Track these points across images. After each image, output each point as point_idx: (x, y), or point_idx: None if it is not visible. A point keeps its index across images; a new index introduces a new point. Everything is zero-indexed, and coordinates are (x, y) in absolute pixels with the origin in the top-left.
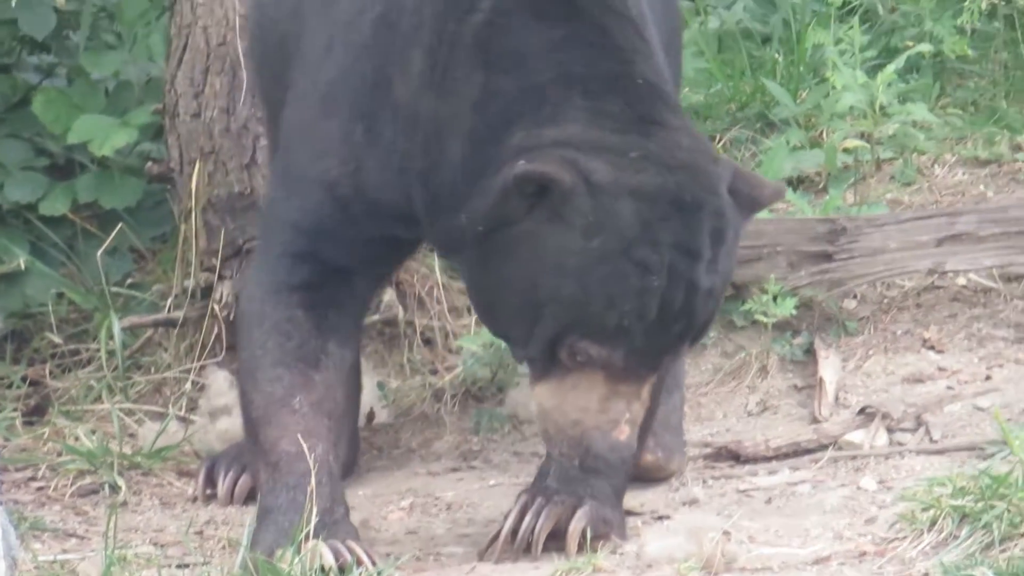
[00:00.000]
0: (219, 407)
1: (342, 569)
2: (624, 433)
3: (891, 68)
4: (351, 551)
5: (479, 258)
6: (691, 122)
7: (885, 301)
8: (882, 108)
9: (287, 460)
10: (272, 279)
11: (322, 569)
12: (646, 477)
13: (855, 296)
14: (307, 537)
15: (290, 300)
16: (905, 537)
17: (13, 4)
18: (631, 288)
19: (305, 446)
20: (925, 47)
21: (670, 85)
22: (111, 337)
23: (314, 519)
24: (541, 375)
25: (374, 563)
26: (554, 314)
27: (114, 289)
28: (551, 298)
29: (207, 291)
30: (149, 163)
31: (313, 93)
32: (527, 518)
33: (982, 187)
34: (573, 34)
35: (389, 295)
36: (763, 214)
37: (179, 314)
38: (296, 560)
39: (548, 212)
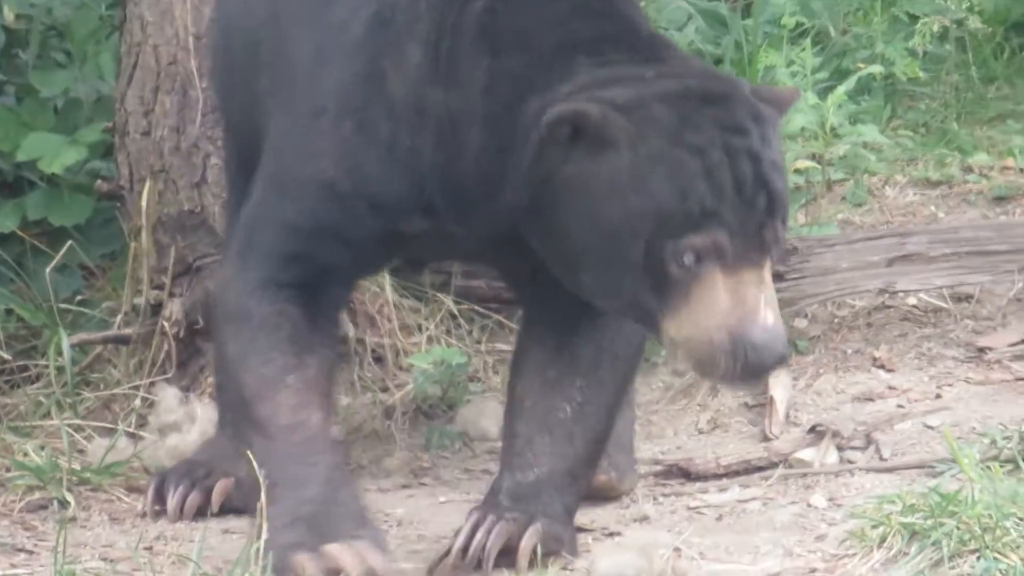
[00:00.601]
0: (169, 423)
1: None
2: (770, 316)
3: (842, 89)
4: (359, 553)
5: (540, 227)
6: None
7: (836, 320)
8: (833, 129)
9: (279, 434)
10: (259, 276)
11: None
12: (598, 497)
13: (806, 315)
14: (307, 531)
15: (278, 296)
16: (855, 554)
17: None
18: (695, 171)
19: (299, 417)
20: (876, 69)
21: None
22: (60, 353)
23: (313, 494)
24: (663, 313)
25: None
26: (638, 232)
27: (63, 306)
28: (626, 219)
29: (157, 308)
30: (99, 181)
31: (306, 98)
32: (478, 535)
33: (933, 208)
34: (572, 8)
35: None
36: None
37: (129, 331)
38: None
39: (587, 146)
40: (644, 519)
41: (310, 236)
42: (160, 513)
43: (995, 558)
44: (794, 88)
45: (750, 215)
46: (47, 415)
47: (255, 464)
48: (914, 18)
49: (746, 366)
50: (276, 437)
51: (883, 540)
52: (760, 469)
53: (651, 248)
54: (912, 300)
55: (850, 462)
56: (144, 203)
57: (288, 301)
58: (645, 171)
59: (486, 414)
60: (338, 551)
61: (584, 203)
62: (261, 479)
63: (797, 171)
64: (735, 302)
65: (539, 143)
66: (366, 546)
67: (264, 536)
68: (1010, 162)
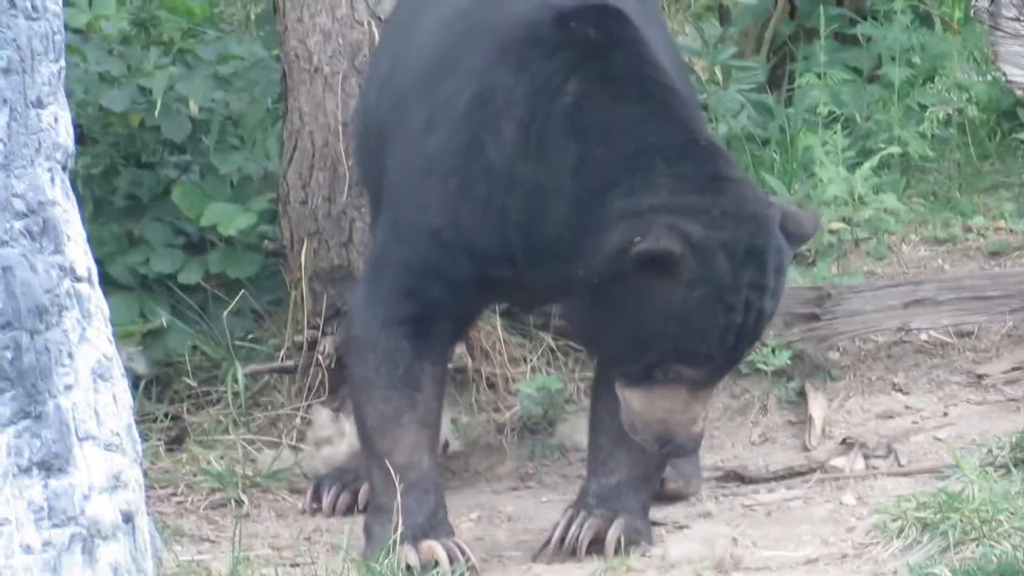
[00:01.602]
0: (323, 438)
1: (424, 567)
2: (699, 427)
3: (867, 165)
4: (449, 548)
5: (591, 302)
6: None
7: (862, 353)
8: (860, 197)
9: (399, 470)
10: (383, 313)
11: (408, 568)
12: (670, 498)
13: (838, 349)
14: (412, 537)
15: (398, 332)
16: (878, 543)
17: (156, 114)
18: (719, 325)
19: (413, 459)
20: (894, 149)
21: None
22: (236, 381)
23: (421, 521)
24: (633, 384)
25: (467, 556)
26: (658, 347)
27: (238, 343)
28: (657, 336)
29: (313, 345)
30: (266, 241)
31: (417, 158)
32: (572, 528)
33: (940, 261)
34: (646, 111)
35: (460, 348)
36: None
37: (291, 363)
38: (387, 561)
39: (658, 271)
40: (707, 515)
41: (420, 275)
42: (317, 511)
43: (991, 545)
44: (816, 215)
45: (732, 358)
46: (226, 431)
47: (373, 487)
48: (923, 107)
49: (664, 451)
50: (392, 474)
51: (901, 531)
52: (801, 474)
53: (658, 358)
54: (924, 336)
55: (874, 468)
56: (302, 259)
57: (404, 337)
58: (689, 312)
59: (579, 430)
60: (435, 546)
61: (636, 309)
62: (376, 501)
63: (831, 231)
64: (683, 411)
65: (622, 258)
66: (448, 541)
67: (375, 540)
68: (1002, 224)
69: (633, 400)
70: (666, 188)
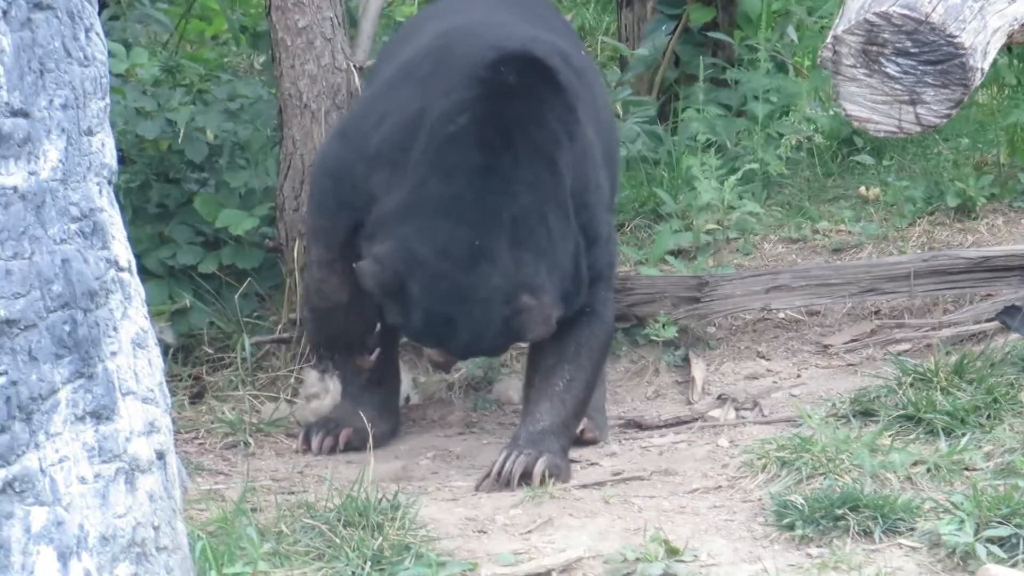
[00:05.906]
0: (311, 394)
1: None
2: (449, 365)
3: (734, 179)
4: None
5: None
6: (527, 256)
7: (733, 328)
8: (730, 205)
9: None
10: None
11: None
12: (585, 442)
13: (714, 324)
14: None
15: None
16: (746, 476)
17: (180, 141)
18: (421, 328)
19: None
20: (756, 166)
21: (544, 217)
22: (244, 349)
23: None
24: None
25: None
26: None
27: (245, 319)
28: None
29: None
30: (266, 240)
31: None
32: (507, 464)
33: (794, 256)
34: (482, 165)
35: None
36: (655, 272)
37: (287, 335)
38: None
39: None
40: (613, 455)
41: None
42: (307, 451)
43: (835, 478)
44: (547, 329)
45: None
46: (236, 388)
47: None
48: (780, 135)
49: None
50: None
51: (764, 467)
52: (686, 423)
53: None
54: (781, 315)
55: (743, 418)
56: (295, 254)
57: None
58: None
59: (512, 387)
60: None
61: None
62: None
63: (707, 232)
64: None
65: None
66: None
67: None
68: (842, 227)
69: None
70: (428, 244)
